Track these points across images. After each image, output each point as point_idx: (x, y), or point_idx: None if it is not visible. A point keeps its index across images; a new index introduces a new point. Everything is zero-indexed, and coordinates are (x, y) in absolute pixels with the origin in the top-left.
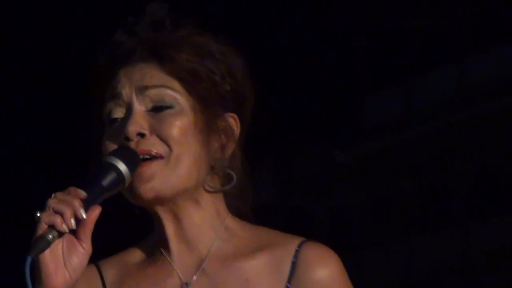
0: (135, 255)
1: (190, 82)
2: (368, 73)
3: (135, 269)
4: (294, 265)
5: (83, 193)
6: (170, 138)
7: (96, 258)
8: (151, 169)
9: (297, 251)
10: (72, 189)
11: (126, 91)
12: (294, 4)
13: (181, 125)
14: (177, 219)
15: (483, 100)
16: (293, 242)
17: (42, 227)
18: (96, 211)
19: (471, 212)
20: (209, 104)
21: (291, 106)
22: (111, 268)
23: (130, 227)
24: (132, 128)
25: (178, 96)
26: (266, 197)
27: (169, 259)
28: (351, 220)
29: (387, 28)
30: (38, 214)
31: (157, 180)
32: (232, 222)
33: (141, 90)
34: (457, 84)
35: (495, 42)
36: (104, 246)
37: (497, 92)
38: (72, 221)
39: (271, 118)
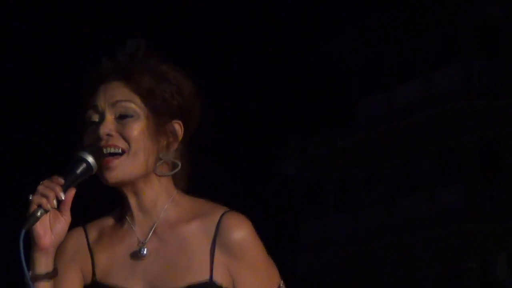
0: (109, 220)
1: (147, 97)
2: (360, 84)
3: (109, 230)
4: (217, 229)
5: (62, 180)
6: (130, 137)
7: (82, 222)
8: (114, 162)
9: (220, 218)
10: (55, 177)
11: (101, 104)
12: None
13: (138, 128)
14: (136, 195)
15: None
16: (218, 211)
17: (33, 207)
18: (72, 192)
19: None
20: (159, 114)
21: (307, 108)
22: (93, 230)
23: (106, 199)
24: (103, 131)
25: (137, 108)
26: (288, 170)
27: (131, 224)
28: (350, 187)
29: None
30: (30, 197)
31: (119, 170)
32: (177, 196)
33: (112, 104)
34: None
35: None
36: (88, 214)
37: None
38: (54, 201)
39: (292, 117)
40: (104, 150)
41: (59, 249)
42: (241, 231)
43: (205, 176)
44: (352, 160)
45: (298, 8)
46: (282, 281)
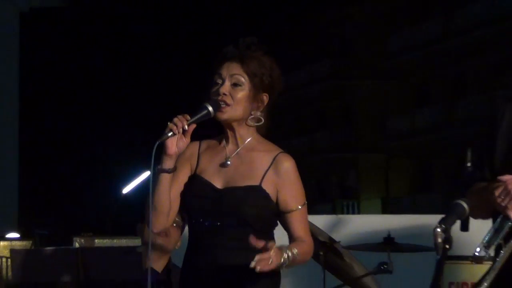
0: (215, 141)
1: (251, 76)
2: None
3: (213, 146)
4: (274, 159)
5: (188, 117)
6: (236, 98)
7: (198, 139)
8: (224, 109)
9: (278, 154)
10: (185, 115)
11: (224, 74)
12: None
13: (242, 94)
14: (232, 130)
15: None
16: (278, 150)
17: (167, 129)
18: (193, 126)
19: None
20: (256, 88)
21: None
22: (204, 144)
23: (214, 129)
24: (222, 91)
25: (244, 81)
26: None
27: (225, 146)
28: None
29: None
30: (168, 123)
31: (226, 115)
32: (257, 137)
33: (231, 75)
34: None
35: None
36: (202, 137)
37: None
38: (181, 129)
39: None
40: (220, 103)
41: (182, 153)
42: (288, 163)
43: (275, 130)
44: None
45: None
46: (306, 202)
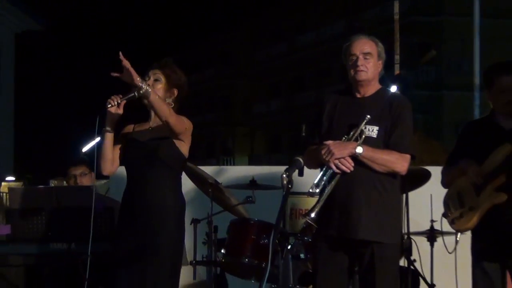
0: (143, 122)
1: (166, 77)
2: None
3: (142, 123)
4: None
5: (121, 96)
6: (155, 89)
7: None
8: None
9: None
10: (118, 94)
11: (150, 74)
12: None
13: (159, 86)
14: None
15: None
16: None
17: (108, 103)
18: (124, 102)
19: None
20: (169, 84)
21: None
22: (137, 124)
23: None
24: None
25: (162, 79)
26: None
27: (149, 120)
28: None
29: None
30: (108, 100)
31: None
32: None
33: (154, 74)
34: None
35: None
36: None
37: None
38: (116, 103)
39: None
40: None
41: (124, 128)
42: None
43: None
44: None
45: None
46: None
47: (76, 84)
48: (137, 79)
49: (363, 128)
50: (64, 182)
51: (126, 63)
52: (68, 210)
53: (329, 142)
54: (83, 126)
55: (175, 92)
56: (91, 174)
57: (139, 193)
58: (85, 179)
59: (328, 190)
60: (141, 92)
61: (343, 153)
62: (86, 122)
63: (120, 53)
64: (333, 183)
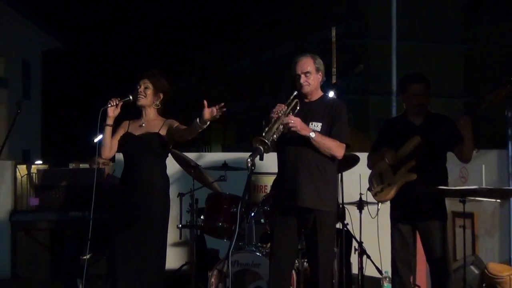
0: (137, 119)
1: (153, 84)
2: None
3: (136, 120)
4: (164, 122)
5: (119, 99)
6: (146, 94)
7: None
8: (140, 99)
9: (165, 120)
10: (117, 97)
11: (140, 83)
12: None
13: (149, 92)
14: (144, 110)
15: None
16: (165, 119)
17: (108, 103)
18: (121, 103)
19: None
20: (156, 90)
21: None
22: (132, 121)
23: None
24: (140, 90)
25: (151, 86)
26: None
27: (142, 118)
28: None
29: None
30: (108, 101)
31: (141, 101)
32: (156, 113)
33: (144, 83)
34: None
35: None
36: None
37: None
38: (114, 104)
39: None
40: (139, 96)
41: (121, 124)
42: (172, 121)
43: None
44: None
45: None
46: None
47: (91, 91)
48: (208, 120)
49: (310, 124)
50: (88, 165)
51: (211, 109)
52: (82, 186)
53: (297, 118)
54: (94, 124)
55: (161, 96)
56: (110, 163)
57: (134, 174)
58: (107, 167)
59: (272, 125)
60: (203, 126)
61: (301, 128)
62: (95, 120)
63: (205, 101)
64: (277, 124)
